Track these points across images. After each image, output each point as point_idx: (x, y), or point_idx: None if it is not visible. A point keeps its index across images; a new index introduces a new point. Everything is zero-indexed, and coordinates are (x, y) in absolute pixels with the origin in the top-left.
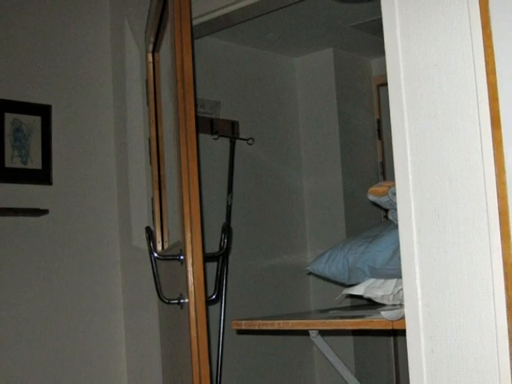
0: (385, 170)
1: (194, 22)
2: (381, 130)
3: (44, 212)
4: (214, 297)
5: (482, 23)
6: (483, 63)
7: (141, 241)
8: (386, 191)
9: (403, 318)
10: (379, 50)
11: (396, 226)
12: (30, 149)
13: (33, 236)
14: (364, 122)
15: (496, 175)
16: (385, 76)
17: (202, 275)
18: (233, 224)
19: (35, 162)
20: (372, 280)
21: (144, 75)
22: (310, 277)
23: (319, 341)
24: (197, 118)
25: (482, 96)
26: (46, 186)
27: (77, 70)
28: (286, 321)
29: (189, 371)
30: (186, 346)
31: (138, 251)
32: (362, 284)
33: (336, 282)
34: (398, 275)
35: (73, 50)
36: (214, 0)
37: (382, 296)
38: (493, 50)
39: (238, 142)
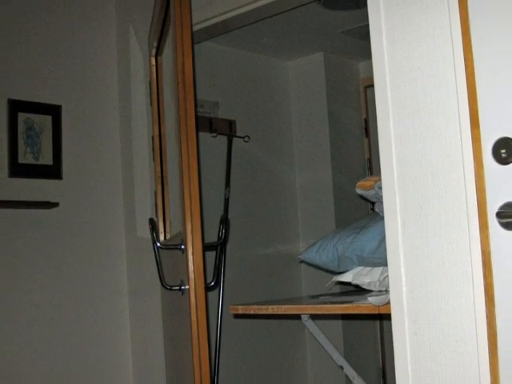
0: (371, 166)
1: (194, 28)
2: (368, 128)
3: (55, 205)
4: (212, 283)
5: (462, 30)
6: (463, 66)
7: (144, 231)
8: (372, 185)
9: (388, 303)
10: (366, 54)
11: (382, 218)
12: (42, 146)
13: (44, 227)
14: (352, 121)
15: (475, 170)
16: (372, 78)
17: (201, 263)
18: (230, 216)
19: (46, 158)
20: (360, 268)
21: (147, 77)
22: (302, 265)
23: (310, 324)
24: (197, 117)
25: (462, 97)
26: (57, 181)
27: (85, 72)
28: (280, 306)
29: (189, 353)
30: (187, 329)
31: (141, 241)
32: (350, 271)
33: (326, 270)
34: (383, 263)
35: (81, 54)
36: (212, 7)
37: (369, 283)
38: (472, 55)
39: (235, 139)
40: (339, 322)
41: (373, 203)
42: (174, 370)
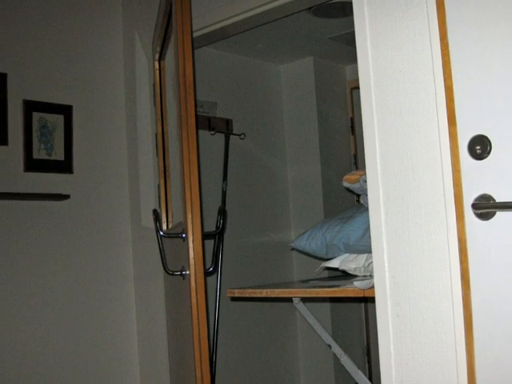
0: (357, 161)
1: (194, 35)
2: (354, 126)
3: (66, 197)
4: (211, 269)
5: (440, 35)
6: (441, 69)
7: (149, 221)
8: (358, 179)
9: (373, 287)
10: (352, 58)
11: (367, 209)
12: (54, 143)
13: (56, 218)
14: (339, 120)
15: (452, 165)
16: (357, 80)
17: (201, 251)
18: (227, 207)
19: (58, 154)
20: (346, 255)
21: (151, 80)
22: (294, 252)
23: (301, 306)
24: (196, 116)
25: (440, 97)
26: (68, 175)
27: (94, 75)
28: (273, 289)
29: (189, 332)
30: (188, 311)
31: (146, 230)
32: (337, 258)
33: (315, 257)
34: (368, 251)
35: (91, 59)
36: (211, 15)
37: (355, 268)
38: (449, 58)
39: (231, 137)
40: (327, 305)
41: (358, 195)
42: (176, 348)
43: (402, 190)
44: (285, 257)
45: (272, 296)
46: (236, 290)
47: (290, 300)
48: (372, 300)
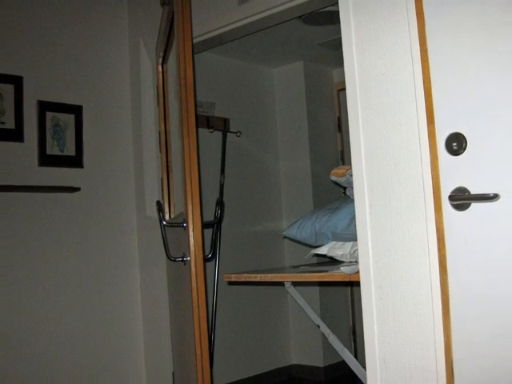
0: (344, 157)
1: (195, 41)
2: (340, 125)
3: (77, 189)
4: (210, 255)
5: (419, 41)
6: (420, 73)
7: (152, 212)
8: (344, 173)
9: (358, 272)
10: (339, 62)
11: (352, 201)
12: (66, 140)
13: (68, 208)
14: (327, 119)
15: (430, 160)
16: (344, 83)
17: (200, 239)
18: (225, 199)
19: (70, 150)
20: (334, 242)
21: (155, 82)
22: (285, 240)
23: (292, 290)
24: (196, 115)
25: (420, 98)
26: (79, 169)
27: (103, 78)
28: (267, 274)
29: (190, 314)
30: (188, 294)
31: (150, 220)
32: (325, 245)
33: (305, 244)
34: (354, 238)
35: (99, 63)
36: (210, 23)
37: (342, 255)
38: (428, 63)
39: (228, 134)
40: (316, 288)
41: (344, 188)
42: (177, 328)
43: (385, 184)
44: (277, 244)
45: (266, 280)
46: (233, 275)
47: (282, 284)
48: (357, 284)
